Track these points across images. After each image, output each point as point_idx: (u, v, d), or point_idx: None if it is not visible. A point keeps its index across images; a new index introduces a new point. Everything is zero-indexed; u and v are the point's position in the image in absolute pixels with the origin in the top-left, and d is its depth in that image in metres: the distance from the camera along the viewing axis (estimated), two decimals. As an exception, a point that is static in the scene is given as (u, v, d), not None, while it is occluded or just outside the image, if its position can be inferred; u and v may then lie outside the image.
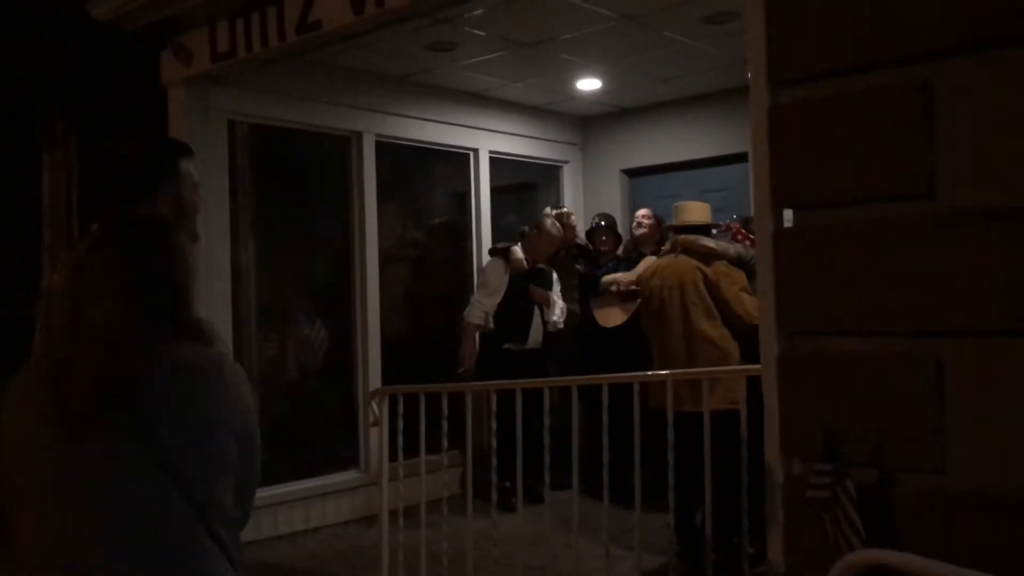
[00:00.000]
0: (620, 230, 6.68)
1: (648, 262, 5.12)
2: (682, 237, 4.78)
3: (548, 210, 6.48)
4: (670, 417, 3.63)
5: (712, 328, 4.56)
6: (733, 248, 4.77)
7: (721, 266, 4.64)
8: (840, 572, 2.12)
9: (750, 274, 4.72)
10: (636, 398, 3.68)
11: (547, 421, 3.87)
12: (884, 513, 2.35)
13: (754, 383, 3.90)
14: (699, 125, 6.85)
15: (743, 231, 5.08)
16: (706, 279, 4.62)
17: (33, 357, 1.70)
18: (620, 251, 6.34)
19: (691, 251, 4.71)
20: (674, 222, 4.98)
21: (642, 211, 6.18)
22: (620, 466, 3.98)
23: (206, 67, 5.00)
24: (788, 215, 2.73)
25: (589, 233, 6.49)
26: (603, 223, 6.44)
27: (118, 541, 1.53)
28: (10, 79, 7.00)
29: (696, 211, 4.94)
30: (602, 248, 6.32)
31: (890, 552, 2.11)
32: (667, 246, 4.95)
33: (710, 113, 6.77)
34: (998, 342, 2.21)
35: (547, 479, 3.94)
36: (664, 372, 4.10)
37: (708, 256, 4.67)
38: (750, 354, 4.47)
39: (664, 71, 6.18)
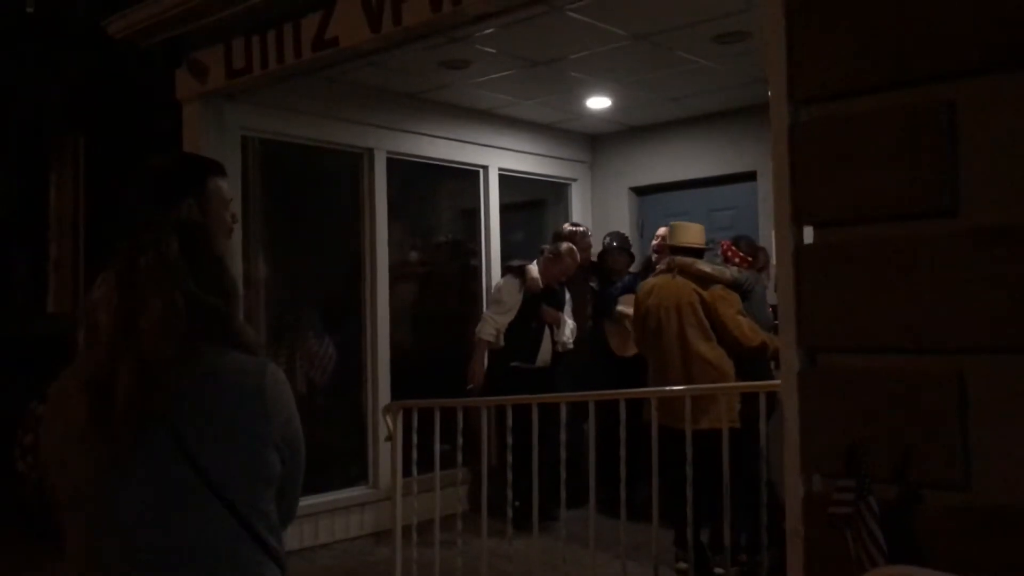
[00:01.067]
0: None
1: (645, 282, 5.15)
2: (679, 259, 4.84)
3: (566, 227, 6.50)
4: (688, 433, 3.64)
5: (709, 349, 4.62)
6: (729, 272, 4.83)
7: (718, 289, 4.71)
8: (865, 587, 2.12)
9: (744, 297, 4.76)
10: (655, 413, 3.70)
11: (564, 436, 3.88)
12: (907, 529, 2.35)
13: (749, 403, 3.95)
14: (708, 144, 6.88)
15: (733, 249, 5.11)
16: (703, 300, 4.68)
17: (76, 362, 1.68)
18: (634, 267, 6.34)
19: (687, 274, 4.77)
20: (669, 242, 5.03)
21: (663, 230, 6.17)
22: (616, 482, 4.00)
23: (221, 83, 5.04)
24: (808, 232, 2.75)
25: (601, 253, 6.49)
26: (615, 243, 6.45)
27: (165, 557, 1.52)
28: (22, 96, 7.05)
29: (691, 233, 4.99)
30: (614, 267, 6.32)
31: (916, 568, 2.12)
32: (663, 265, 4.99)
33: (719, 132, 6.80)
34: (1022, 359, 2.22)
35: (563, 495, 3.94)
36: (680, 388, 4.11)
37: (704, 280, 4.72)
38: (746, 375, 4.52)
39: (674, 90, 6.21)
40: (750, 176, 6.65)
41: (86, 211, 7.12)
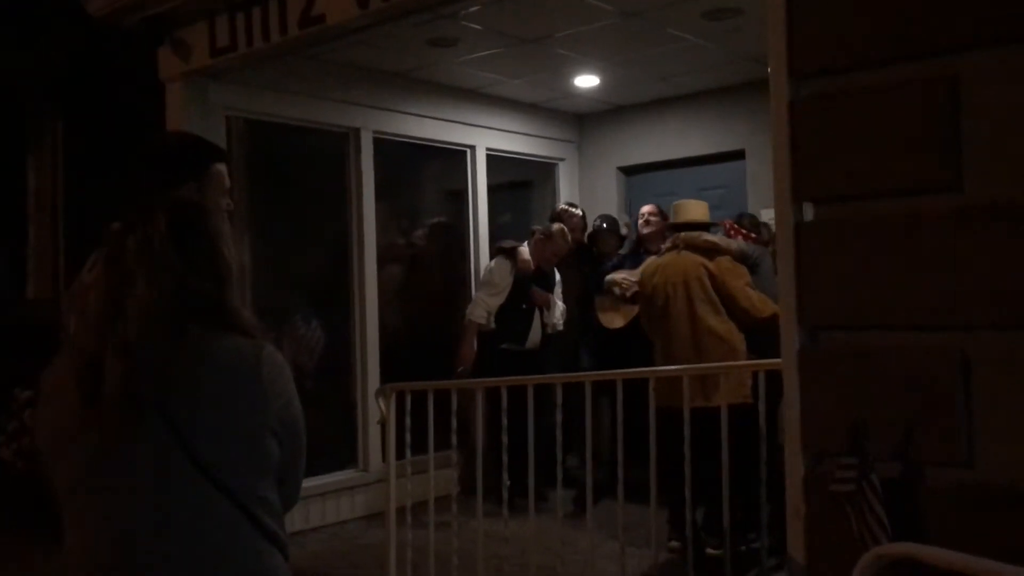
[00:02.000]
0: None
1: (649, 262, 5.11)
2: (684, 234, 4.79)
3: (560, 207, 6.46)
4: (686, 413, 3.62)
5: (719, 323, 4.56)
6: (736, 244, 4.79)
7: (724, 261, 4.66)
8: (868, 564, 2.11)
9: (752, 270, 4.73)
10: (652, 394, 3.67)
11: (559, 417, 3.86)
12: (910, 507, 2.34)
13: (764, 378, 3.92)
14: (697, 122, 6.85)
15: (736, 227, 5.09)
16: (710, 274, 4.63)
17: (67, 347, 1.63)
18: (624, 249, 6.31)
19: (694, 247, 4.71)
20: (673, 220, 4.99)
21: (647, 207, 6.10)
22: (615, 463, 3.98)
23: (205, 62, 4.95)
24: (808, 209, 2.73)
25: (591, 235, 6.46)
26: (605, 225, 6.41)
27: (161, 543, 1.48)
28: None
29: (696, 209, 4.96)
30: (604, 250, 6.29)
31: (921, 546, 2.10)
32: (668, 244, 4.95)
33: (708, 110, 6.77)
34: (1027, 335, 2.21)
35: (559, 476, 3.93)
36: (678, 367, 4.09)
37: (711, 251, 4.68)
38: (756, 348, 4.50)
39: (663, 68, 6.17)
40: (739, 155, 6.63)
41: (65, 194, 7.01)
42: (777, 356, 4.36)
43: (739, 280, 4.59)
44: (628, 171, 7.41)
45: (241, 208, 5.73)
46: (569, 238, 6.04)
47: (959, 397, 2.29)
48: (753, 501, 3.63)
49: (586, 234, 6.47)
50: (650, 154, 7.15)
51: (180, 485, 1.49)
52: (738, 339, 4.55)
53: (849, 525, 2.30)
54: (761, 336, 4.59)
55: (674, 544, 4.54)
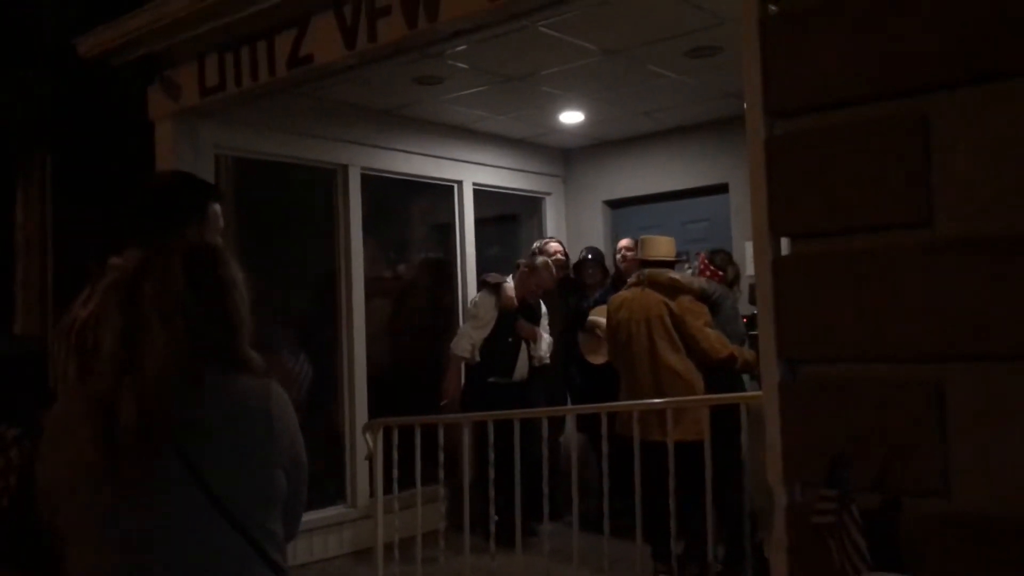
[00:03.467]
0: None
1: (616, 296, 5.19)
2: (648, 271, 4.89)
3: (540, 243, 6.52)
4: (671, 444, 3.67)
5: (678, 361, 4.66)
6: (698, 283, 4.88)
7: (686, 300, 4.75)
8: (849, 596, 2.14)
9: (714, 309, 4.81)
10: (636, 427, 3.71)
11: (545, 451, 3.88)
12: (890, 538, 2.38)
13: (717, 415, 3.99)
14: (681, 157, 6.93)
15: (710, 267, 5.15)
16: (671, 313, 4.72)
17: (72, 389, 1.66)
18: (609, 282, 6.37)
19: (657, 285, 4.81)
20: (640, 255, 5.08)
21: (624, 242, 6.23)
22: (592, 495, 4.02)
23: (195, 101, 5.00)
24: (785, 244, 2.79)
25: (577, 266, 6.52)
26: (590, 256, 6.47)
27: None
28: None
29: (662, 246, 5.04)
30: (589, 281, 6.35)
31: (900, 576, 2.14)
32: (633, 279, 5.05)
33: (692, 145, 6.86)
34: (999, 367, 2.26)
35: (546, 509, 3.94)
36: (661, 400, 4.14)
37: (674, 290, 4.77)
38: (715, 387, 4.57)
39: (646, 104, 6.26)
40: (722, 188, 6.71)
41: (54, 230, 7.02)
42: (727, 391, 4.49)
43: (699, 320, 4.69)
44: (614, 204, 7.49)
45: (230, 244, 5.75)
46: (554, 271, 6.09)
47: (936, 428, 2.34)
48: (717, 534, 3.69)
49: (570, 266, 6.53)
50: (635, 188, 7.22)
51: (195, 521, 1.53)
52: (696, 378, 4.64)
53: (831, 556, 2.34)
54: (722, 377, 4.69)
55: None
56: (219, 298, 1.66)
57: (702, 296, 4.80)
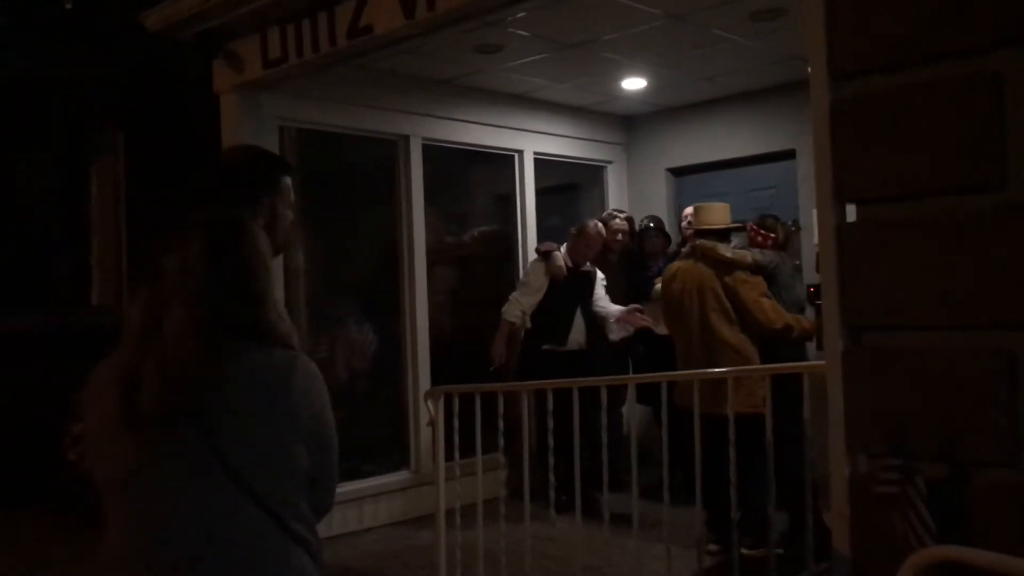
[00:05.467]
0: (668, 230, 6.64)
1: (671, 266, 5.14)
2: (700, 243, 4.82)
3: (606, 215, 6.49)
4: (731, 415, 3.65)
5: (732, 334, 4.62)
6: (750, 255, 4.78)
7: (740, 274, 4.68)
8: (913, 567, 2.10)
9: (770, 279, 4.72)
10: (696, 397, 3.68)
11: (604, 420, 3.88)
12: (956, 509, 2.32)
13: (776, 386, 3.93)
14: (746, 122, 6.80)
15: (761, 231, 5.04)
16: (724, 285, 4.67)
17: (111, 356, 1.72)
18: (672, 250, 6.30)
19: (708, 259, 4.75)
20: (694, 224, 4.99)
21: (688, 209, 6.13)
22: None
23: (258, 74, 5.07)
24: (850, 210, 2.71)
25: (639, 235, 6.46)
26: (652, 225, 6.41)
27: (194, 548, 1.56)
28: (62, 92, 7.16)
29: (716, 213, 4.95)
30: (651, 250, 6.28)
31: (966, 548, 2.09)
32: (687, 249, 4.97)
33: (757, 110, 6.72)
34: (1073, 334, 2.18)
35: (605, 478, 3.95)
36: (724, 370, 4.09)
37: (727, 264, 4.70)
38: (774, 358, 4.50)
39: (710, 69, 6.15)
40: (789, 154, 6.57)
41: (128, 204, 7.22)
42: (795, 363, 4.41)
43: (753, 292, 4.63)
44: (677, 172, 7.39)
45: (295, 215, 5.83)
46: (604, 233, 6.04)
47: (1004, 396, 2.26)
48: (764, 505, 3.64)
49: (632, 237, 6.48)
50: (699, 155, 7.12)
51: (211, 490, 1.56)
52: (751, 351, 4.60)
53: (894, 527, 2.29)
54: (779, 346, 4.61)
55: (711, 547, 4.54)
56: (241, 270, 1.67)
57: (755, 268, 4.72)
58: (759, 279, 4.66)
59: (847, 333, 2.65)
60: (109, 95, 7.16)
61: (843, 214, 2.70)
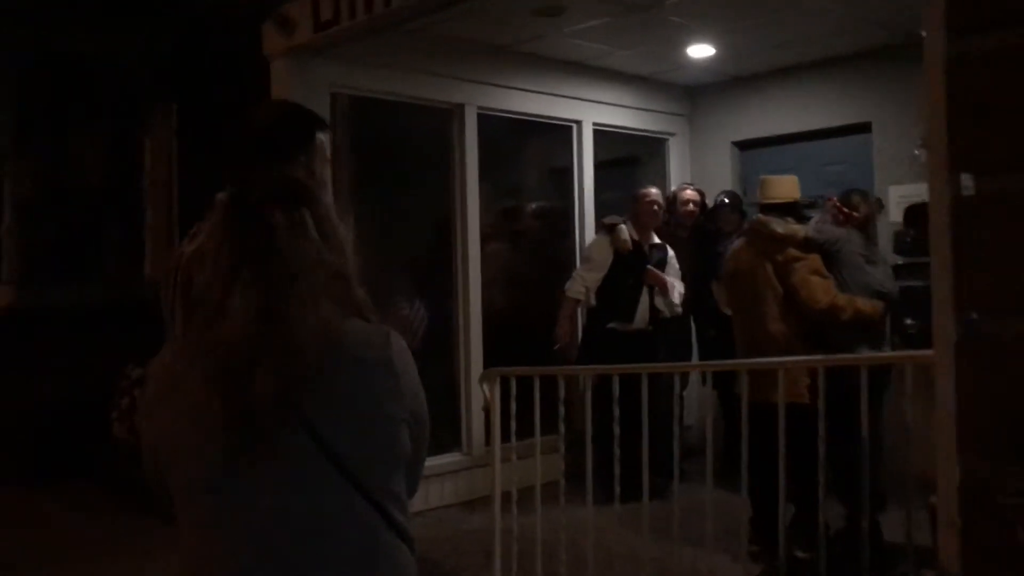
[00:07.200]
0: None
1: (732, 245, 4.84)
2: (755, 219, 4.53)
3: (675, 189, 6.25)
4: (781, 407, 3.43)
5: (775, 322, 4.29)
6: (803, 230, 4.44)
7: (791, 251, 4.35)
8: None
9: (830, 257, 4.39)
10: (781, 388, 3.43)
11: (677, 410, 3.64)
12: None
13: (830, 376, 3.64)
14: (817, 93, 6.45)
15: (843, 208, 4.71)
16: (776, 264, 4.35)
17: (180, 337, 1.51)
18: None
19: (760, 235, 4.44)
20: (759, 198, 4.65)
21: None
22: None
23: (309, 37, 4.88)
24: (967, 181, 2.42)
25: (711, 211, 6.15)
26: (727, 200, 6.08)
27: (304, 546, 1.39)
28: (113, 63, 7.06)
29: (782, 186, 4.60)
30: (725, 228, 5.96)
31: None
32: (746, 225, 4.67)
33: (830, 80, 6.36)
34: None
35: (676, 472, 3.72)
36: (813, 358, 3.82)
37: (777, 241, 4.38)
38: (829, 344, 4.17)
39: (783, 35, 5.80)
40: (864, 128, 6.21)
41: (180, 175, 7.13)
42: (840, 349, 4.11)
43: (803, 270, 4.29)
44: (743, 146, 7.05)
45: (346, 186, 5.67)
46: (660, 201, 5.76)
47: None
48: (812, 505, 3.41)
49: (704, 212, 6.18)
50: (767, 128, 6.77)
51: (321, 487, 1.40)
52: (791, 337, 4.26)
53: (1016, 539, 2.03)
54: (836, 331, 4.28)
55: (753, 547, 4.21)
56: (335, 236, 1.48)
57: (807, 244, 4.39)
58: (814, 256, 4.32)
59: (962, 320, 2.38)
60: (161, 65, 7.04)
61: (958, 186, 2.41)
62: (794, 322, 4.30)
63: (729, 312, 4.87)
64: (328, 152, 2.30)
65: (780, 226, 4.43)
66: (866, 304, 4.29)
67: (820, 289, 4.24)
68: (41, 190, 7.11)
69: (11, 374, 6.09)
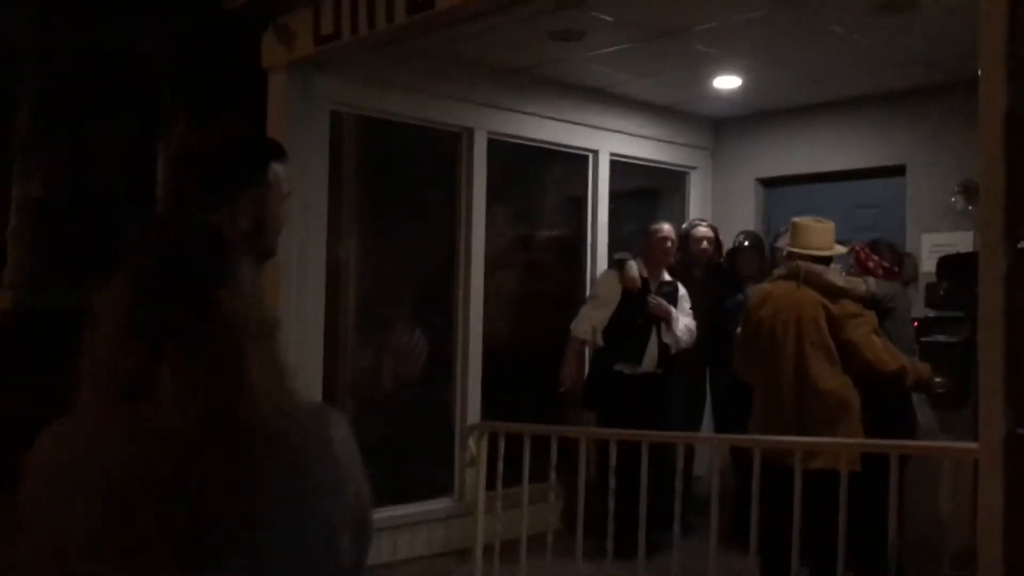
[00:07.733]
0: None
1: (756, 290, 4.43)
2: (805, 265, 4.06)
3: (687, 225, 5.93)
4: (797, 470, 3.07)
5: (831, 376, 3.89)
6: (865, 284, 4.08)
7: (849, 305, 3.97)
8: None
9: (884, 316, 4.04)
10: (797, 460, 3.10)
11: (681, 464, 3.35)
12: None
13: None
14: (850, 132, 6.11)
15: (868, 253, 4.36)
16: (829, 316, 3.94)
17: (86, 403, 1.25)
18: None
19: (815, 284, 4.02)
20: (790, 243, 4.25)
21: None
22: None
23: (309, 50, 4.62)
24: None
25: (730, 253, 5.79)
26: (747, 242, 5.72)
27: None
28: (128, 69, 6.88)
29: (819, 237, 4.16)
30: (744, 273, 5.60)
31: None
32: (783, 270, 4.23)
33: (864, 119, 6.03)
34: None
35: (676, 530, 3.42)
36: (834, 442, 3.54)
37: (834, 293, 3.99)
38: (872, 405, 3.87)
39: (815, 69, 5.47)
40: (899, 170, 5.87)
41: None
42: (899, 416, 3.82)
43: (864, 327, 3.92)
44: (768, 183, 6.71)
45: (347, 208, 5.39)
46: (673, 237, 5.47)
47: None
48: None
49: (723, 252, 5.83)
50: (794, 165, 6.43)
51: None
52: (852, 395, 3.88)
53: None
54: (883, 395, 3.96)
55: None
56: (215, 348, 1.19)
57: (869, 300, 4.03)
58: (871, 314, 3.96)
59: (1013, 412, 2.03)
60: (175, 71, 6.86)
61: (1015, 255, 2.07)
62: (847, 380, 3.94)
63: (743, 378, 4.44)
64: (286, 186, 2.05)
65: (839, 277, 4.08)
66: (924, 368, 4.03)
67: (886, 352, 3.91)
68: (52, 192, 6.95)
69: (14, 377, 5.86)
